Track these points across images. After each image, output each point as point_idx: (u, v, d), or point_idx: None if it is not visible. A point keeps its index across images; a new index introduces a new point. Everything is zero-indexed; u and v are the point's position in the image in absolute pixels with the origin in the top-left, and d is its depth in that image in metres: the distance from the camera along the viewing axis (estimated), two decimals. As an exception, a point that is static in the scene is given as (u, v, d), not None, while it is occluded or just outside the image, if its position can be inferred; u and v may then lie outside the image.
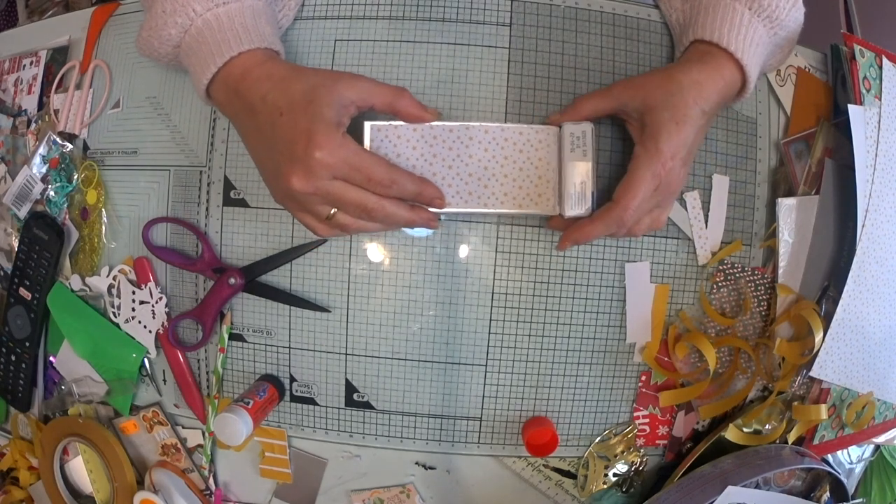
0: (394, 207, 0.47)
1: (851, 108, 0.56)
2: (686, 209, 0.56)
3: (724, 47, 0.49)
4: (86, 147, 0.61)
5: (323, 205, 0.47)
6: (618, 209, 0.47)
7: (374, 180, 0.46)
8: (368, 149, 0.50)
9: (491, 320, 0.56)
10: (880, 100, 0.57)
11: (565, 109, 0.51)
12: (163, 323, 0.59)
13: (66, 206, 0.61)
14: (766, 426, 0.58)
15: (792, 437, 0.58)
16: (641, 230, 0.51)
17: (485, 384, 0.57)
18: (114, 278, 0.60)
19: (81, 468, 0.64)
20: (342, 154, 0.44)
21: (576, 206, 0.49)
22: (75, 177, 0.61)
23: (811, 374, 0.56)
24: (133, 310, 0.59)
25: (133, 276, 0.59)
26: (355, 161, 0.45)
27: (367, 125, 0.50)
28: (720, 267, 0.57)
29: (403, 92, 0.48)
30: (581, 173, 0.49)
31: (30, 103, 0.65)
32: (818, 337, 0.55)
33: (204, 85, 0.49)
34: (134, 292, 0.59)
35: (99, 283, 0.60)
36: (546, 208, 0.50)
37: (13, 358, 0.64)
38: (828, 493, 0.61)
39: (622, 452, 0.59)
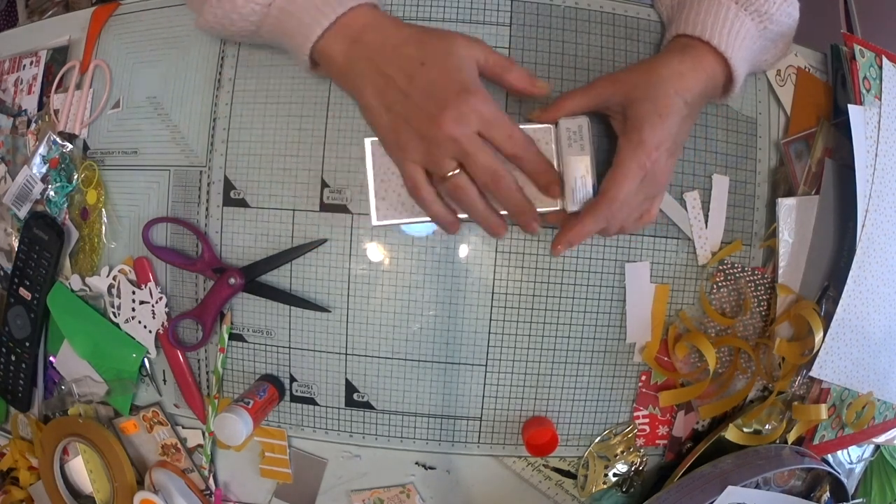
0: (515, 186, 0.48)
1: (851, 108, 0.56)
2: (686, 209, 0.56)
3: (707, 40, 0.49)
4: (86, 147, 0.61)
5: (451, 158, 0.46)
6: (605, 202, 0.47)
7: (515, 139, 0.46)
8: (371, 166, 0.50)
9: (491, 320, 0.56)
10: (880, 100, 0.57)
11: (547, 108, 0.50)
12: (163, 323, 0.59)
13: (66, 206, 0.61)
14: (766, 426, 0.58)
15: (792, 437, 0.58)
16: (633, 225, 0.50)
17: (485, 384, 0.57)
18: (114, 278, 0.60)
19: (81, 468, 0.64)
20: (491, 106, 0.45)
21: (578, 200, 0.49)
22: (75, 177, 0.61)
23: (811, 374, 0.56)
24: (133, 310, 0.59)
25: (133, 276, 0.59)
26: (501, 117, 0.46)
27: (367, 142, 0.50)
28: (720, 267, 0.57)
29: (514, 64, 0.49)
30: (581, 167, 0.49)
31: (30, 103, 0.65)
32: (818, 337, 0.55)
33: (314, 38, 0.47)
34: (134, 292, 0.59)
35: (99, 283, 0.60)
36: (550, 204, 0.50)
37: (13, 358, 0.64)
38: (828, 493, 0.61)
39: (622, 452, 0.59)
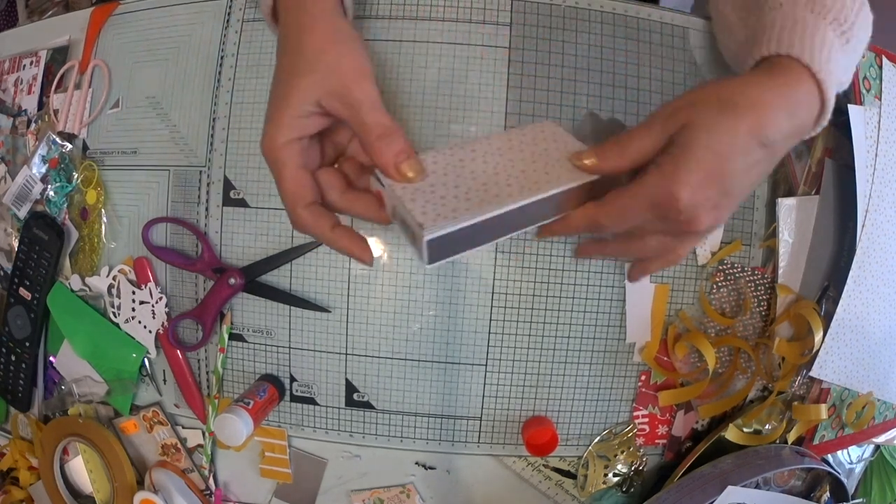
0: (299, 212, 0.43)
1: (851, 108, 0.56)
2: (686, 209, 0.56)
3: (797, 57, 0.39)
4: (85, 147, 0.61)
5: None
6: (595, 212, 0.41)
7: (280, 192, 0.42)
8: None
9: (491, 320, 0.56)
10: (880, 100, 0.57)
11: (606, 152, 0.41)
12: (163, 323, 0.59)
13: (65, 206, 0.61)
14: (766, 426, 0.58)
15: (792, 437, 0.58)
16: (656, 262, 0.46)
17: (485, 384, 0.57)
18: (114, 278, 0.60)
19: (81, 468, 0.64)
20: (272, 147, 0.41)
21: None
22: (75, 177, 0.61)
23: (811, 374, 0.56)
24: (133, 310, 0.59)
25: (133, 276, 0.59)
26: (275, 165, 0.42)
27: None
28: (720, 267, 0.57)
29: (390, 134, 0.40)
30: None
31: (30, 103, 0.65)
32: (818, 336, 0.55)
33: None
34: (134, 292, 0.59)
35: (99, 283, 0.60)
36: (581, 177, 0.42)
37: (13, 358, 0.64)
38: (828, 493, 0.61)
39: (622, 452, 0.59)
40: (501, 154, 0.44)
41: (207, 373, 0.60)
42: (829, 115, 0.41)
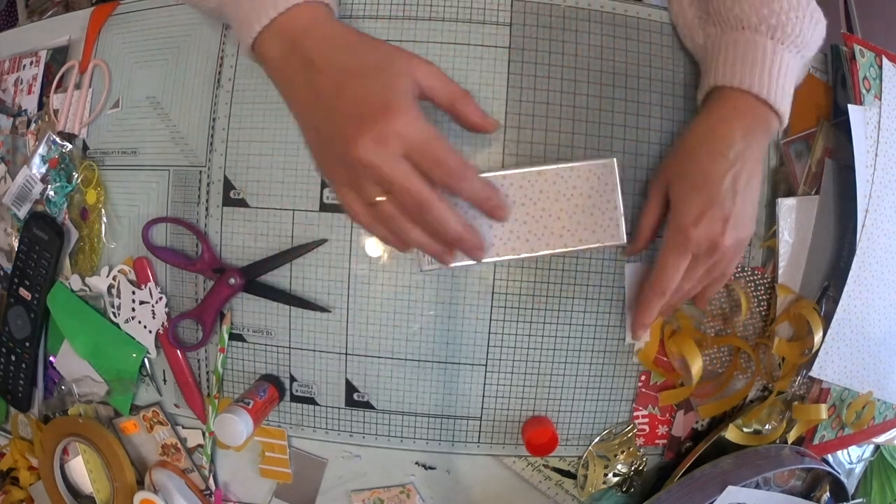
0: (448, 213, 0.43)
1: (851, 108, 0.56)
2: (686, 209, 0.56)
3: (747, 90, 0.47)
4: (85, 147, 0.61)
5: (375, 185, 0.42)
6: (650, 293, 0.50)
7: (444, 164, 0.41)
8: None
9: (491, 320, 0.56)
10: (880, 100, 0.57)
11: (636, 241, 0.53)
12: (163, 323, 0.59)
13: (65, 206, 0.61)
14: (766, 426, 0.58)
15: (792, 437, 0.58)
16: (709, 291, 0.53)
17: (485, 384, 0.57)
18: (114, 278, 0.60)
19: (81, 468, 0.64)
20: (419, 127, 0.41)
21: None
22: (75, 177, 0.61)
23: (811, 374, 0.56)
24: (133, 310, 0.59)
25: (133, 276, 0.59)
26: (430, 139, 0.41)
27: None
28: (720, 267, 0.57)
29: (468, 95, 0.46)
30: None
31: (30, 103, 0.65)
32: (818, 336, 0.55)
33: (253, 35, 0.44)
34: (134, 292, 0.59)
35: (99, 283, 0.60)
36: (612, 239, 0.52)
37: (13, 358, 0.64)
38: (828, 493, 0.61)
39: (622, 452, 0.59)
40: (548, 197, 0.51)
41: (207, 373, 0.60)
42: (786, 120, 0.49)
